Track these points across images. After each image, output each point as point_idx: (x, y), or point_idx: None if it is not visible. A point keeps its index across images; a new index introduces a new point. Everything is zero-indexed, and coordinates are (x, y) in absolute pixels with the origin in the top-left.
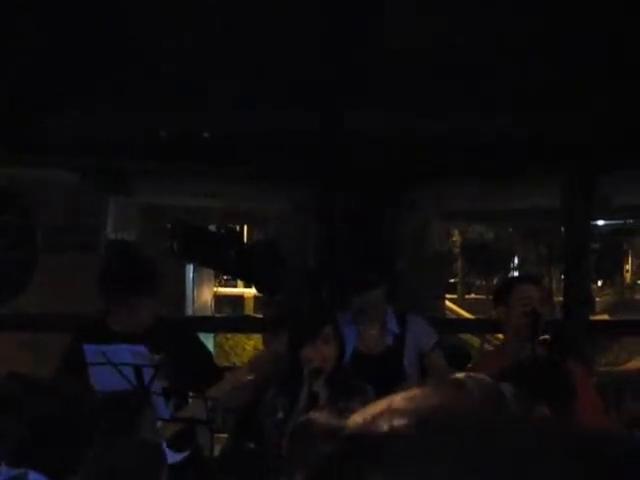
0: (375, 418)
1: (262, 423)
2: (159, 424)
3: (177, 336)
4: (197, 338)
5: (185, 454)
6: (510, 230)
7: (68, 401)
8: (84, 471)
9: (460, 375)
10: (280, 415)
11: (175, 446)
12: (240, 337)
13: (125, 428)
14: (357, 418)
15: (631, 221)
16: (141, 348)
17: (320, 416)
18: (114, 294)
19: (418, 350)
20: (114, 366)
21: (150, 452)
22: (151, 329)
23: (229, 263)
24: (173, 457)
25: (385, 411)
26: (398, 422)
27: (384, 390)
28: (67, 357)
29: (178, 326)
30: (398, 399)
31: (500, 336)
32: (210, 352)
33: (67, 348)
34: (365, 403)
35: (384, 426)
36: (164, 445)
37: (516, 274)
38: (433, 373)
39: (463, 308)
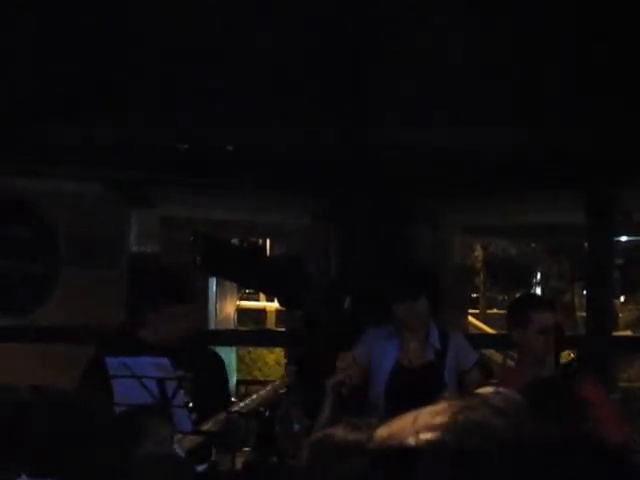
0: (403, 431)
1: (278, 436)
2: (178, 436)
3: (204, 359)
4: (222, 365)
5: (204, 466)
6: (533, 245)
7: (86, 413)
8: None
9: (486, 390)
10: (296, 427)
11: (194, 458)
12: (262, 351)
13: (130, 440)
14: (384, 431)
15: None
16: (164, 361)
17: (337, 431)
18: (155, 304)
19: (458, 367)
20: (137, 379)
21: (179, 468)
22: (180, 345)
23: (252, 277)
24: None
25: (413, 425)
26: (426, 436)
27: (422, 404)
28: (91, 369)
29: (206, 349)
30: (424, 413)
31: None
32: (228, 380)
33: (90, 360)
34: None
35: (413, 440)
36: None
37: (538, 289)
38: (471, 392)
39: (485, 323)
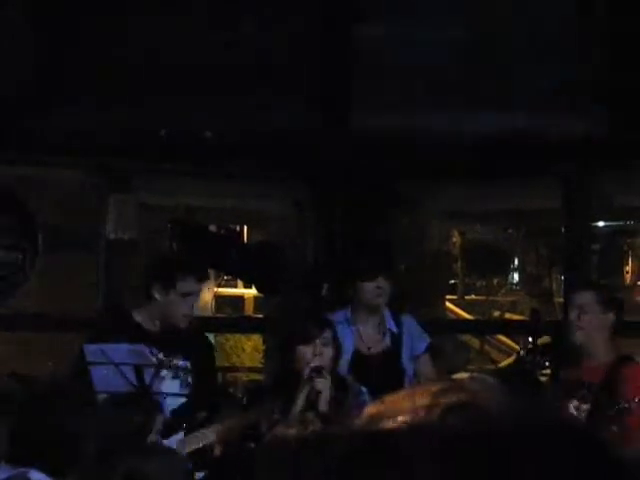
0: (384, 416)
1: (259, 425)
2: (179, 439)
3: (201, 349)
4: (214, 356)
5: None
6: (510, 231)
7: (66, 400)
8: (86, 467)
9: (461, 375)
10: (276, 416)
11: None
12: (240, 337)
13: (139, 430)
14: (366, 417)
15: (631, 222)
16: (141, 347)
17: (285, 430)
18: (165, 277)
19: (411, 351)
20: (115, 365)
21: (177, 462)
22: (181, 333)
23: (229, 263)
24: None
25: (393, 409)
26: (406, 418)
27: (384, 389)
28: (77, 357)
29: (203, 339)
30: (401, 397)
31: (500, 337)
32: (217, 371)
33: (78, 351)
34: (361, 404)
35: (396, 423)
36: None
37: (516, 275)
38: (421, 378)
39: (463, 309)
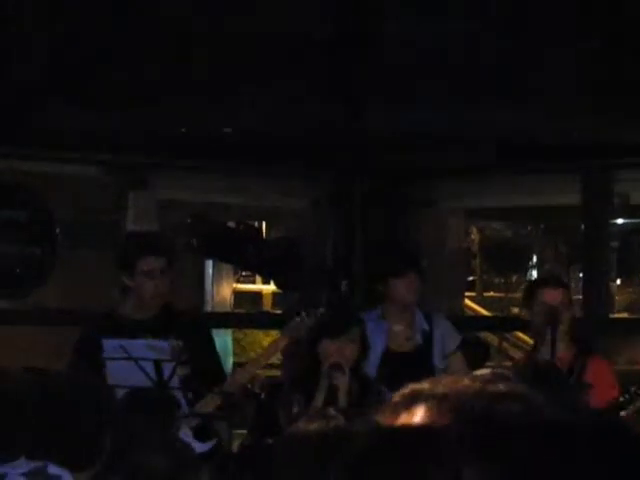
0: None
1: (278, 418)
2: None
3: (195, 331)
4: (212, 339)
5: (212, 444)
6: (529, 228)
7: (82, 393)
8: (103, 462)
9: (482, 371)
10: (295, 409)
11: (201, 437)
12: (258, 333)
13: (162, 425)
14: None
15: None
16: (161, 343)
17: (307, 424)
18: (124, 259)
19: (443, 350)
20: (134, 361)
21: (184, 452)
22: (163, 318)
23: (248, 259)
24: (201, 447)
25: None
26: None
27: None
28: (80, 351)
29: (197, 322)
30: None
31: (519, 334)
32: (217, 352)
33: (79, 342)
34: (380, 403)
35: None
36: (191, 437)
37: (534, 272)
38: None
39: (482, 306)
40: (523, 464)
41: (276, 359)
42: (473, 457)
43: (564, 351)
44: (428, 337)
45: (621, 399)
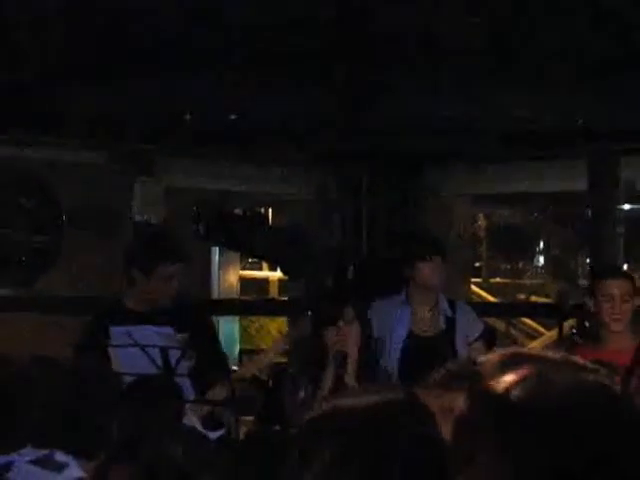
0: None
1: (283, 404)
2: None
3: (194, 319)
4: (211, 324)
5: (221, 432)
6: (535, 214)
7: (89, 381)
8: (111, 450)
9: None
10: (302, 395)
11: (210, 425)
12: (265, 320)
13: (171, 414)
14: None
15: None
16: (167, 329)
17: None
18: (143, 263)
19: (466, 337)
20: (141, 348)
21: (200, 441)
22: (174, 310)
23: (254, 246)
24: (211, 436)
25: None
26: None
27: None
28: (87, 339)
29: (195, 310)
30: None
31: (525, 320)
32: (219, 341)
33: (86, 330)
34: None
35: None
36: (199, 425)
37: (541, 259)
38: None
39: (488, 292)
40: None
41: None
42: (488, 442)
43: (627, 344)
44: (451, 323)
45: None
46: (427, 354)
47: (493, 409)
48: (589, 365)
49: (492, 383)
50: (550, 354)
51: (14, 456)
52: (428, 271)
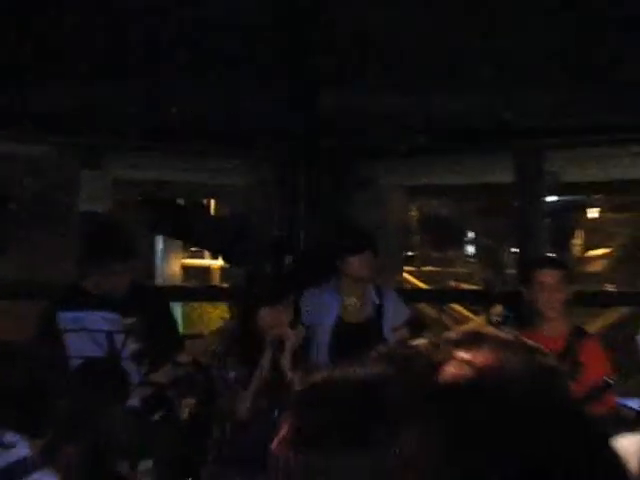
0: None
1: (213, 382)
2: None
3: (151, 302)
4: (168, 306)
5: (161, 413)
6: (466, 206)
7: (37, 362)
8: (57, 430)
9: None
10: (232, 374)
11: (148, 408)
12: (206, 306)
13: (115, 396)
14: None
15: (579, 198)
16: (113, 315)
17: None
18: (99, 261)
19: (393, 322)
20: (88, 332)
21: (143, 422)
22: (126, 294)
23: (196, 235)
24: (153, 416)
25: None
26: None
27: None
28: (44, 323)
29: (152, 292)
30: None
31: (455, 306)
32: (176, 321)
33: (43, 315)
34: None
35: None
36: (140, 406)
37: (469, 248)
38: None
39: (420, 279)
40: (457, 426)
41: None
42: (414, 415)
43: (560, 330)
44: (379, 310)
45: (607, 380)
46: (356, 340)
47: (435, 393)
48: (539, 347)
49: (437, 364)
50: (502, 334)
51: None
52: (358, 264)
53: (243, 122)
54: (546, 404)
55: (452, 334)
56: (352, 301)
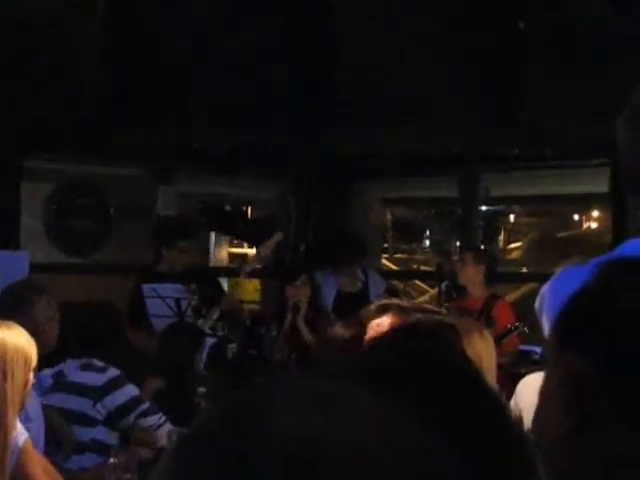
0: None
1: (262, 337)
2: None
3: (207, 278)
4: (219, 282)
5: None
6: (424, 212)
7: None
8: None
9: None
10: (274, 333)
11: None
12: (244, 280)
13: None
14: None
15: (503, 207)
16: (179, 286)
17: (336, 330)
18: (168, 240)
19: (375, 292)
20: (161, 298)
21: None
22: (188, 272)
23: (238, 232)
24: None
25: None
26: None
27: None
28: (133, 293)
29: (206, 271)
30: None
31: (416, 282)
32: (223, 289)
33: (132, 287)
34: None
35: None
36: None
37: (427, 242)
38: None
39: (393, 263)
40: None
41: (257, 298)
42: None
43: (480, 297)
44: (365, 285)
45: (510, 327)
46: (350, 304)
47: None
48: (435, 309)
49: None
50: (406, 303)
51: (62, 365)
52: (347, 280)
53: (274, 152)
54: (435, 352)
55: (371, 306)
56: (347, 279)
